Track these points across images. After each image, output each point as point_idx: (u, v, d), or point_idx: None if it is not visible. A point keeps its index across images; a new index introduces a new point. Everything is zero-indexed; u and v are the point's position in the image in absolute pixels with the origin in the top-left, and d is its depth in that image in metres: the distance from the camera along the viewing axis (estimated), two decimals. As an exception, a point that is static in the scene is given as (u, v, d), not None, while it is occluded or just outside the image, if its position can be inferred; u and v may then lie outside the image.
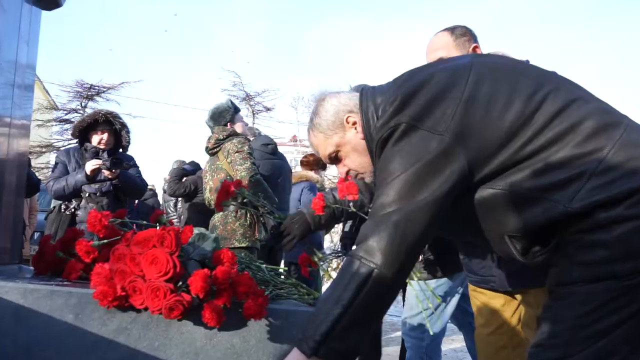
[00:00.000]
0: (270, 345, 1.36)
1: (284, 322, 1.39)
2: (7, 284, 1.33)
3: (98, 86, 14.12)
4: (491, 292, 1.81)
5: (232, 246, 3.03)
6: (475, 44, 1.72)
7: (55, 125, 14.68)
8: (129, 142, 3.36)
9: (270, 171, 3.80)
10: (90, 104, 14.27)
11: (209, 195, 3.35)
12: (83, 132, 3.25)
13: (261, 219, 3.28)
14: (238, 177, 3.11)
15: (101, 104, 14.41)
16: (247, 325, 1.36)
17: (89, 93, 14.13)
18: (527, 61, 1.57)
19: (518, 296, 1.76)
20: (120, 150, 3.35)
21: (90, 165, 3.06)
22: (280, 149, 4.64)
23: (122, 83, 14.26)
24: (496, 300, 1.82)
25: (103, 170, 3.09)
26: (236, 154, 3.17)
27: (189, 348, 1.33)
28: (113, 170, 3.08)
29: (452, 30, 1.74)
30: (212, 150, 3.35)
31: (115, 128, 3.27)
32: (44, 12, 2.03)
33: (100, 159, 3.11)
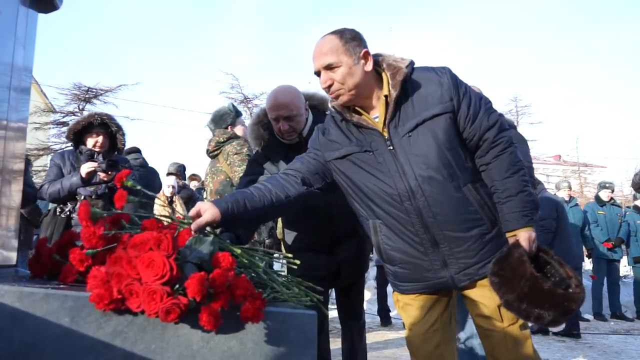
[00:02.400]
0: (268, 348, 1.36)
1: (282, 324, 1.39)
2: (3, 286, 1.33)
3: (96, 89, 14.11)
4: (419, 294, 1.84)
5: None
6: (365, 49, 1.67)
7: (53, 128, 14.66)
8: (124, 145, 3.35)
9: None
10: (88, 106, 14.25)
11: (209, 197, 3.35)
12: (78, 134, 3.24)
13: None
14: (236, 179, 3.12)
15: (99, 107, 14.40)
16: (244, 328, 1.36)
17: (87, 96, 14.12)
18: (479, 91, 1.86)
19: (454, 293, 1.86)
20: (116, 152, 3.34)
21: (86, 167, 3.06)
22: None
23: (120, 86, 14.26)
24: (426, 301, 1.84)
25: (98, 173, 3.09)
26: (235, 155, 3.18)
27: (186, 351, 1.33)
28: (108, 173, 3.08)
29: (341, 34, 1.68)
30: (213, 153, 3.37)
31: (111, 130, 3.27)
32: (41, 14, 2.02)
33: (95, 161, 3.10)
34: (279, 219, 2.57)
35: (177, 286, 1.30)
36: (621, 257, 7.85)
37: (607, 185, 7.64)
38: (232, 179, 3.18)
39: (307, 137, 2.26)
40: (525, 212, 1.66)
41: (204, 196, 3.50)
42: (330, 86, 1.67)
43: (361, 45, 1.67)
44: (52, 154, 13.62)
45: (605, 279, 7.32)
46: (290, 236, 2.48)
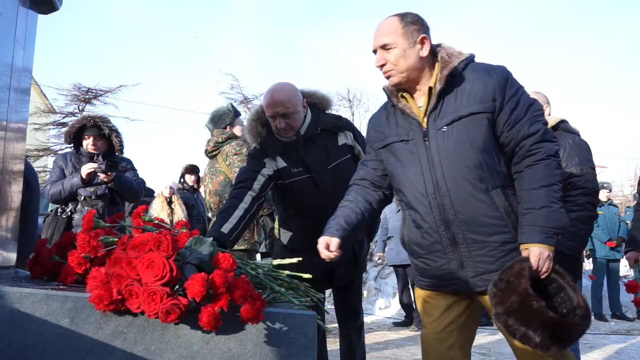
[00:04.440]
0: (267, 349, 1.36)
1: (281, 325, 1.39)
2: (3, 288, 1.33)
3: (95, 89, 14.09)
4: (438, 293, 1.81)
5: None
6: (424, 35, 1.68)
7: (53, 128, 14.64)
8: (121, 146, 3.35)
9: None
10: (88, 107, 14.24)
11: (209, 198, 3.35)
12: (77, 136, 3.26)
13: (260, 221, 3.28)
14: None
15: (99, 108, 14.38)
16: (244, 329, 1.36)
17: (87, 96, 14.10)
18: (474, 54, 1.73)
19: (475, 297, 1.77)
20: (116, 153, 3.35)
21: (86, 168, 3.08)
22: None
23: (120, 86, 14.22)
24: (444, 301, 1.81)
25: (98, 173, 3.10)
26: (234, 156, 3.17)
27: (186, 352, 1.33)
28: (108, 173, 3.09)
29: (402, 17, 1.70)
30: (211, 153, 3.35)
31: (105, 133, 3.27)
32: (41, 15, 2.02)
33: (95, 162, 3.12)
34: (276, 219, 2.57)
35: (177, 287, 1.30)
36: (622, 257, 7.86)
37: (604, 185, 7.67)
38: (232, 180, 3.17)
39: (304, 134, 2.27)
40: (545, 229, 1.57)
41: (204, 197, 3.49)
42: (382, 65, 1.70)
43: (421, 30, 1.68)
44: (52, 154, 13.61)
45: (606, 279, 7.33)
46: (285, 236, 2.47)
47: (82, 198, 3.12)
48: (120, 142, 3.32)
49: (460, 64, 1.67)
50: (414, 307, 5.83)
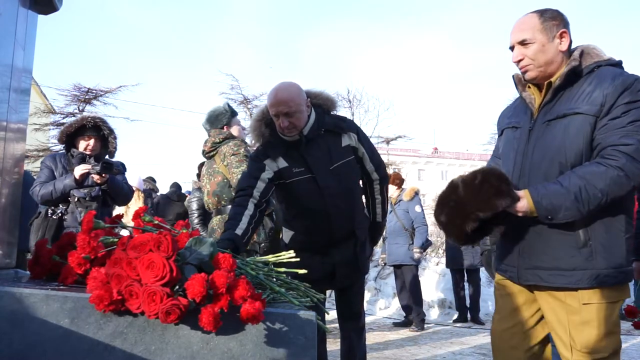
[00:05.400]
0: (267, 349, 1.36)
1: (281, 325, 1.39)
2: (3, 288, 1.33)
3: (95, 90, 14.07)
4: (517, 286, 1.78)
5: (230, 249, 3.02)
6: (563, 29, 1.70)
7: (53, 129, 14.63)
8: (115, 148, 3.33)
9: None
10: (88, 107, 14.23)
11: (207, 198, 3.34)
12: (70, 137, 3.22)
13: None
14: (234, 180, 3.11)
15: (99, 108, 14.36)
16: (244, 329, 1.36)
17: (87, 97, 14.09)
18: (620, 61, 1.74)
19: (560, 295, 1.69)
20: (107, 156, 3.33)
21: (80, 169, 3.05)
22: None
23: (120, 87, 14.20)
24: (519, 298, 1.79)
25: (92, 175, 3.08)
26: (232, 156, 3.15)
27: (186, 352, 1.33)
28: (102, 175, 3.07)
29: (541, 13, 1.73)
30: (209, 154, 3.34)
31: (103, 134, 3.25)
32: (41, 16, 2.02)
33: (89, 163, 3.10)
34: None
35: (177, 287, 1.30)
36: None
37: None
38: (230, 180, 3.16)
39: (307, 134, 2.27)
40: (546, 200, 1.58)
41: (203, 199, 3.48)
42: (520, 61, 1.73)
43: (560, 25, 1.70)
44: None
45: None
46: (287, 235, 2.48)
47: (76, 199, 3.09)
48: (116, 144, 3.32)
49: (589, 65, 1.69)
50: (413, 307, 5.84)
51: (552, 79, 1.70)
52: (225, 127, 3.37)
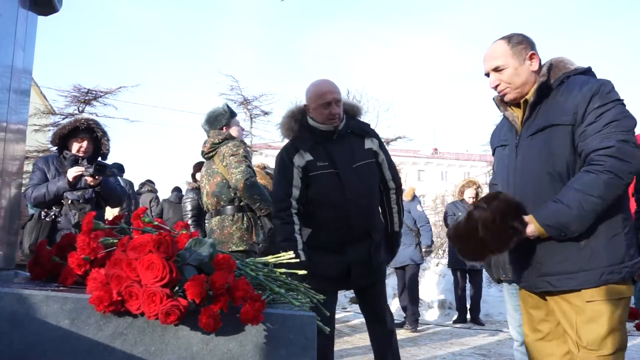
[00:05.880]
0: (267, 350, 1.36)
1: (281, 326, 1.39)
2: (3, 289, 1.33)
3: (95, 91, 14.07)
4: (540, 298, 1.86)
5: (230, 250, 3.02)
6: (532, 52, 1.82)
7: (53, 130, 14.62)
8: (108, 150, 3.32)
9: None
10: (88, 108, 14.23)
11: (206, 199, 3.34)
12: (62, 139, 3.20)
13: (258, 222, 3.28)
14: (233, 181, 3.11)
15: (99, 109, 14.36)
16: (244, 330, 1.36)
17: (86, 97, 14.08)
18: (589, 68, 1.81)
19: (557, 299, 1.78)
20: (99, 158, 3.31)
21: (73, 172, 3.03)
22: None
23: (120, 87, 14.18)
24: (545, 307, 1.86)
25: (85, 177, 3.07)
26: (231, 157, 3.15)
27: (186, 353, 1.33)
28: (96, 177, 3.07)
29: (508, 39, 1.84)
30: (208, 155, 3.34)
31: (96, 135, 3.24)
32: (41, 17, 2.03)
33: (82, 166, 3.08)
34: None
35: (176, 288, 1.30)
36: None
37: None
38: (229, 181, 3.16)
39: (341, 129, 2.48)
40: (553, 220, 1.65)
41: (203, 200, 3.48)
42: (497, 86, 1.85)
43: (528, 48, 1.82)
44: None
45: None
46: (305, 232, 2.50)
47: (69, 202, 3.08)
48: (109, 146, 3.31)
49: (558, 77, 1.79)
50: (409, 307, 5.87)
51: (527, 97, 1.82)
52: (224, 127, 3.37)
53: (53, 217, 3.08)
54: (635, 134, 1.67)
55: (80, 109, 14.17)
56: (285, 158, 2.48)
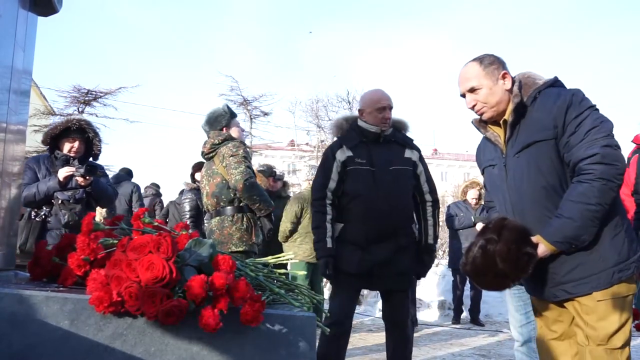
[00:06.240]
0: (267, 351, 1.36)
1: (281, 327, 1.39)
2: (3, 289, 1.33)
3: (95, 91, 14.10)
4: (551, 302, 1.90)
5: (229, 250, 3.02)
6: (504, 71, 1.88)
7: (53, 130, 14.61)
8: (100, 151, 3.31)
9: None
10: (88, 109, 14.25)
11: (206, 200, 3.34)
12: (54, 139, 3.19)
13: (258, 222, 3.28)
14: (233, 181, 3.11)
15: (98, 109, 14.39)
16: (244, 331, 1.36)
17: (86, 98, 14.11)
18: (556, 78, 1.87)
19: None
20: (91, 158, 3.31)
21: (64, 172, 3.03)
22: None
23: (120, 88, 14.23)
24: (557, 309, 1.91)
25: (76, 178, 3.06)
26: (231, 157, 3.16)
27: (185, 354, 1.33)
28: (87, 178, 3.06)
29: (480, 60, 1.90)
30: (208, 155, 3.35)
31: (88, 136, 3.24)
32: (41, 17, 2.03)
33: (72, 166, 3.08)
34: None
35: (176, 289, 1.30)
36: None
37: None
38: (229, 181, 3.16)
39: (387, 134, 2.72)
40: (560, 236, 1.70)
41: (203, 199, 3.48)
42: (474, 106, 1.90)
43: (499, 67, 1.89)
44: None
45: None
46: (337, 228, 2.69)
47: (60, 202, 3.06)
48: (101, 146, 3.30)
49: (530, 95, 1.84)
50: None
51: (506, 117, 1.87)
52: (224, 128, 3.37)
53: (43, 217, 3.05)
54: (636, 134, 1.71)
55: (80, 109, 14.19)
56: (329, 152, 2.74)
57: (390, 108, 2.72)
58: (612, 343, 1.72)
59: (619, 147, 1.69)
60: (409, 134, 2.90)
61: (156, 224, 1.56)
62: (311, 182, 5.50)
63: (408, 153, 2.75)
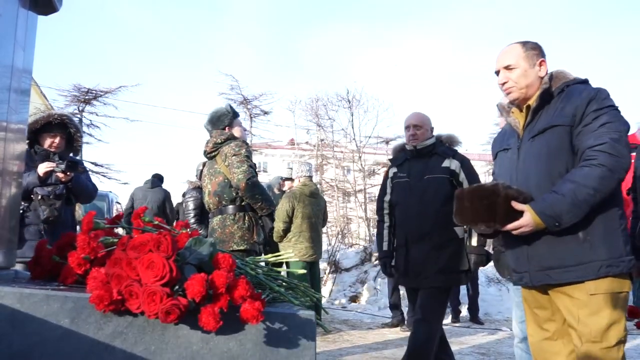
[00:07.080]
0: (267, 349, 1.37)
1: (281, 325, 1.39)
2: (3, 288, 1.33)
3: (95, 90, 14.09)
4: (544, 296, 1.91)
5: (231, 249, 3.02)
6: (542, 59, 1.94)
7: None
8: (80, 147, 3.28)
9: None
10: (88, 107, 14.25)
11: (208, 199, 3.35)
12: (34, 133, 3.12)
13: (259, 221, 3.28)
14: (235, 180, 3.11)
15: (98, 108, 14.39)
16: (244, 329, 1.36)
17: (86, 97, 14.11)
18: (586, 79, 1.92)
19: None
20: (71, 154, 3.28)
21: (44, 167, 2.98)
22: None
23: (120, 87, 14.22)
24: (548, 307, 1.91)
25: (57, 173, 3.03)
26: (233, 157, 3.16)
27: (185, 352, 1.33)
28: (67, 174, 3.03)
29: (523, 43, 1.97)
30: (210, 154, 3.35)
31: (69, 131, 3.20)
32: (41, 16, 2.03)
33: (53, 161, 3.04)
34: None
35: (176, 287, 1.30)
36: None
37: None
38: (231, 180, 3.16)
39: (419, 149, 3.03)
40: (548, 209, 1.73)
41: (204, 199, 3.48)
42: (505, 83, 1.95)
43: (539, 55, 1.95)
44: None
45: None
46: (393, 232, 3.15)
47: (39, 197, 3.01)
48: (82, 142, 3.28)
49: (559, 86, 1.90)
50: (401, 308, 5.91)
51: (530, 102, 1.93)
52: (226, 128, 3.37)
53: (21, 212, 2.95)
54: (629, 133, 1.76)
55: (80, 108, 14.19)
56: (387, 171, 3.26)
57: (415, 126, 3.05)
58: (607, 340, 1.72)
59: (628, 146, 1.75)
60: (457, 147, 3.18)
61: (156, 222, 1.56)
62: (301, 180, 5.56)
63: (446, 162, 2.98)
